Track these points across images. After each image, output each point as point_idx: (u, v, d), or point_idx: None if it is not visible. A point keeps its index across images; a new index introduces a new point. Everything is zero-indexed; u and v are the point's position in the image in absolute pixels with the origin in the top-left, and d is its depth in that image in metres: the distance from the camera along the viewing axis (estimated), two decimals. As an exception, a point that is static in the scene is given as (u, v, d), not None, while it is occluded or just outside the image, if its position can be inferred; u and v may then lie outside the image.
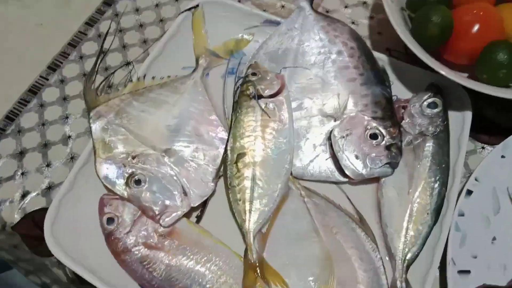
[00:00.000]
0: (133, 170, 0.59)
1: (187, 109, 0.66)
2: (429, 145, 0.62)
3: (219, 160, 0.63)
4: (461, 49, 0.66)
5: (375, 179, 0.63)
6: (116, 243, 0.56)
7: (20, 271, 0.74)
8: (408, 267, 0.57)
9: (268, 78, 0.66)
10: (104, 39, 0.77)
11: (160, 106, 0.66)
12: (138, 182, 0.59)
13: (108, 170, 0.60)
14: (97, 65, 0.72)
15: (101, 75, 0.74)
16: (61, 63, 0.76)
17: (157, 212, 0.57)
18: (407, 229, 0.59)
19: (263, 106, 0.64)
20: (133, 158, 0.60)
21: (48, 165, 0.68)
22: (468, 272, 0.57)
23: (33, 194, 0.65)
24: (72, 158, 0.68)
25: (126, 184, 0.59)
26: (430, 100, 0.65)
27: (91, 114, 0.64)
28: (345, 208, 0.61)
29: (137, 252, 0.56)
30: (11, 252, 0.68)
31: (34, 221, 0.63)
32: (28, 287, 0.81)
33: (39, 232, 0.59)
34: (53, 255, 0.57)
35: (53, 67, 0.76)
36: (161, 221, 0.57)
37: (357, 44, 0.70)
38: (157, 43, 0.72)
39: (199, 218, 0.62)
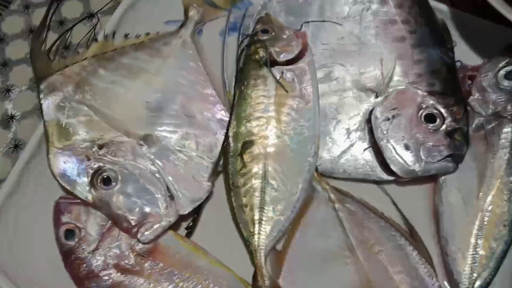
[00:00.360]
0: (100, 164, 0.56)
1: (174, 79, 0.63)
2: (508, 131, 0.59)
3: (217, 151, 0.60)
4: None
5: (432, 178, 0.60)
6: (78, 264, 0.54)
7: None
8: (476, 298, 0.54)
9: (284, 37, 0.63)
10: (58, -19, 0.72)
11: (137, 76, 0.62)
12: (107, 181, 0.56)
13: (66, 164, 0.56)
14: (49, 18, 0.68)
15: (54, 32, 0.70)
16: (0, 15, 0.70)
17: (133, 223, 0.54)
18: (475, 246, 0.56)
19: (278, 76, 0.60)
20: (100, 147, 0.57)
21: (-17, 156, 0.63)
22: (557, 306, 0.54)
23: (-37, 195, 0.61)
24: (16, 146, 0.65)
25: (91, 184, 0.56)
26: (509, 68, 0.61)
27: (42, 86, 0.60)
28: (390, 217, 0.58)
29: (106, 278, 0.53)
30: None
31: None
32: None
33: (-29, 248, 0.56)
34: (-9, 281, 0.53)
35: (-11, 20, 0.70)
36: (139, 235, 0.54)
37: (408, -11, 0.65)
38: (131, -13, 0.67)
39: (190, 231, 0.59)
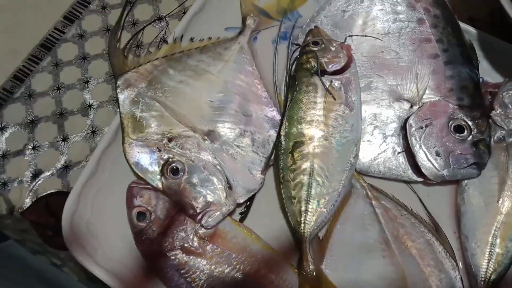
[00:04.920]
0: (170, 156, 0.49)
1: (233, 81, 0.55)
2: (528, 145, 0.51)
3: (269, 147, 0.53)
4: None
5: (455, 181, 0.53)
6: (148, 244, 0.47)
7: (27, 249, 0.65)
8: (491, 290, 0.48)
9: (333, 49, 0.55)
10: (131, -14, 0.63)
11: (201, 77, 0.54)
12: (175, 171, 0.49)
13: (140, 154, 0.50)
14: (123, 18, 0.59)
15: (127, 32, 0.61)
16: (80, 13, 0.63)
17: (198, 210, 0.48)
18: (493, 244, 0.50)
19: (327, 85, 0.52)
20: (170, 140, 0.50)
21: (64, 139, 0.57)
22: None
23: (47, 173, 0.56)
24: (93, 132, 0.57)
25: (161, 173, 0.49)
26: (530, 88, 0.53)
27: (119, 82, 0.52)
28: (418, 214, 0.51)
29: (173, 258, 0.47)
30: (18, 233, 0.59)
31: (47, 207, 0.53)
32: (33, 260, 0.72)
33: (53, 221, 0.50)
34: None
35: (71, 17, 0.63)
36: (203, 221, 0.48)
37: (442, 12, 0.58)
38: (197, -4, 0.59)
39: (243, 216, 0.52)
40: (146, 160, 0.49)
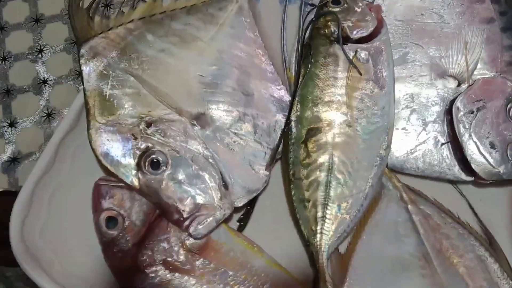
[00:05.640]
0: (148, 145, 0.50)
1: (229, 51, 0.56)
2: None
3: (275, 135, 0.54)
4: None
5: (513, 181, 0.54)
6: (120, 258, 0.48)
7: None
8: (560, 320, 0.49)
9: (358, 10, 0.56)
10: None
11: (189, 45, 0.55)
12: (156, 164, 0.50)
13: (110, 142, 0.50)
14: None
15: (93, -13, 0.62)
16: (31, -39, 0.64)
17: (185, 215, 0.49)
18: None
19: (351, 56, 0.53)
20: (148, 125, 0.51)
21: (11, 124, 0.58)
22: None
23: (-11, 168, 0.56)
24: (49, 115, 0.58)
25: (138, 166, 0.50)
26: None
27: (83, 50, 0.53)
28: (467, 223, 0.52)
29: (153, 275, 0.48)
30: None
31: (-10, 211, 0.53)
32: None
33: (-3, 228, 0.50)
34: (19, 266, 0.49)
35: (19, -33, 0.63)
36: (191, 229, 0.48)
37: (499, -36, 0.59)
38: None
39: (242, 224, 0.53)
40: (118, 150, 0.50)
